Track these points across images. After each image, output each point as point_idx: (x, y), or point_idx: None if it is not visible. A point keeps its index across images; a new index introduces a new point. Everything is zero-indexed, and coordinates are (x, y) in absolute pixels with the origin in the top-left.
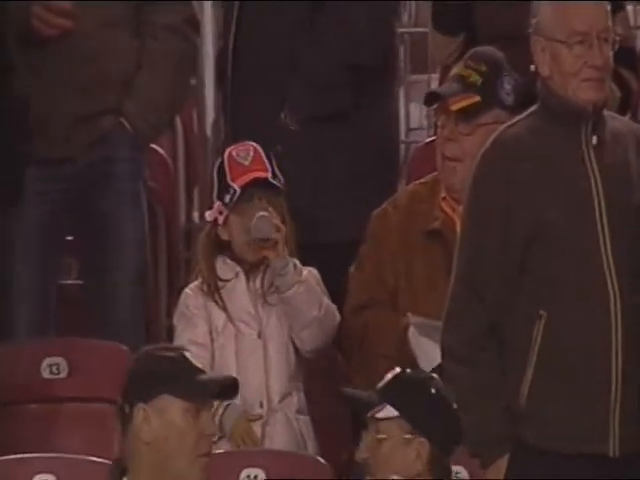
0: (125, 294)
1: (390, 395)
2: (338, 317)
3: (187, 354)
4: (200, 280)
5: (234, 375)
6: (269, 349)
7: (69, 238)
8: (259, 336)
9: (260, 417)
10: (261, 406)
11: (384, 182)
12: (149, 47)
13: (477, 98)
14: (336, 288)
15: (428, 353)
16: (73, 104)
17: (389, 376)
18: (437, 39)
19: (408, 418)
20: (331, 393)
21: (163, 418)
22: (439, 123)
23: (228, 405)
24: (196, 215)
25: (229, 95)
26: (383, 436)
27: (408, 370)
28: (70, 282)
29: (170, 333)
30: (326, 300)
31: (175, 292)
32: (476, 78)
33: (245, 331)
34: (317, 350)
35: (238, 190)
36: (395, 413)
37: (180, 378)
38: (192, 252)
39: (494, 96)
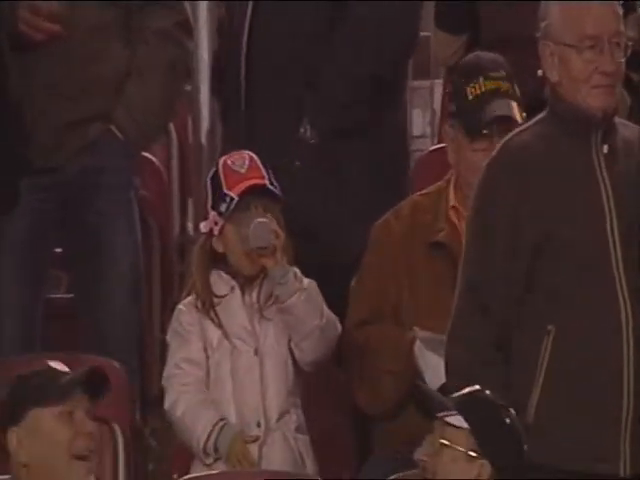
0: (118, 308)
1: (465, 408)
2: (339, 327)
3: (52, 363)
4: (194, 296)
5: (230, 394)
6: (266, 366)
7: (58, 250)
8: (256, 353)
9: (257, 438)
10: (258, 425)
11: (402, 193)
12: (140, 53)
13: (516, 103)
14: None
15: (435, 369)
16: (60, 110)
17: (466, 389)
18: (440, 38)
19: (477, 436)
20: (330, 407)
21: (35, 433)
22: (474, 147)
23: (224, 426)
24: (190, 227)
25: (244, 109)
26: (447, 442)
27: (487, 391)
28: (59, 296)
29: (164, 349)
30: (327, 310)
31: (169, 306)
32: (507, 86)
33: (241, 348)
34: (317, 362)
35: (235, 198)
36: (466, 425)
37: (42, 387)
38: (186, 265)
39: (519, 97)
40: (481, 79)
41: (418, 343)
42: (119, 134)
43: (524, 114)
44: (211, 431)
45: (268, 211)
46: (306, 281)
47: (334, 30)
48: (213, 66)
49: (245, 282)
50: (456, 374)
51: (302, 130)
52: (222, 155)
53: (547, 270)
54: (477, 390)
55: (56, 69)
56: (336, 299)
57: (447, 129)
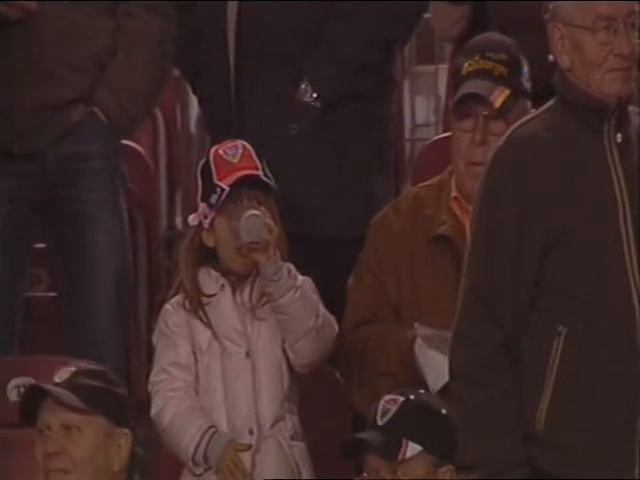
0: (103, 306)
1: (405, 428)
2: (336, 328)
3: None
4: (182, 294)
5: (220, 399)
6: (259, 369)
7: (38, 245)
8: (247, 355)
9: (249, 447)
10: (251, 433)
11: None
12: (124, 27)
13: (508, 91)
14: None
15: (438, 368)
16: (40, 92)
17: (392, 408)
18: (439, 7)
19: (433, 449)
20: (327, 411)
21: None
22: (462, 127)
23: (214, 434)
24: (179, 221)
25: (233, 74)
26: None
27: (410, 395)
28: (39, 294)
29: (150, 350)
30: (323, 309)
31: (156, 306)
32: (502, 69)
33: (232, 350)
34: (313, 364)
35: (226, 189)
36: (419, 448)
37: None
38: (174, 262)
39: (520, 85)
40: (478, 57)
41: (419, 341)
42: (103, 117)
43: (529, 103)
44: (200, 439)
45: (261, 203)
46: (301, 278)
47: None
48: (179, 46)
49: (236, 280)
50: (459, 377)
51: (302, 87)
52: (212, 141)
53: (557, 268)
54: (402, 401)
55: (33, 46)
56: (330, 274)
57: (450, 104)
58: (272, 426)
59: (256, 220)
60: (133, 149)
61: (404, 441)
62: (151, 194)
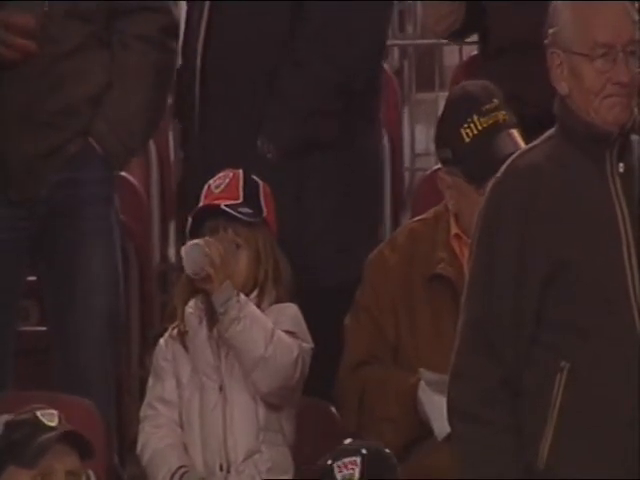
0: (93, 341)
1: None
2: (295, 351)
3: (39, 413)
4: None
5: (197, 435)
6: (232, 403)
7: (28, 278)
8: (221, 389)
9: None
10: (221, 469)
11: (374, 218)
12: (120, 58)
13: (516, 131)
14: (322, 338)
15: (444, 413)
16: (35, 139)
17: (354, 471)
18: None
19: None
20: (323, 448)
21: None
22: (482, 192)
23: (183, 474)
24: (172, 253)
25: (197, 122)
26: None
27: (362, 450)
28: (28, 329)
29: (143, 385)
30: (278, 336)
31: (149, 340)
32: (503, 115)
33: (207, 385)
34: (273, 393)
35: (189, 221)
36: None
37: (21, 444)
38: (168, 295)
39: (515, 119)
40: (475, 117)
41: (423, 386)
42: (98, 148)
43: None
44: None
45: (240, 235)
46: (249, 309)
47: (295, 34)
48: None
49: (213, 313)
50: (457, 414)
51: (259, 144)
52: (180, 182)
53: (559, 301)
54: None
55: (27, 93)
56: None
57: (443, 176)
58: (245, 460)
59: (196, 250)
60: (125, 179)
61: None
62: (143, 226)
